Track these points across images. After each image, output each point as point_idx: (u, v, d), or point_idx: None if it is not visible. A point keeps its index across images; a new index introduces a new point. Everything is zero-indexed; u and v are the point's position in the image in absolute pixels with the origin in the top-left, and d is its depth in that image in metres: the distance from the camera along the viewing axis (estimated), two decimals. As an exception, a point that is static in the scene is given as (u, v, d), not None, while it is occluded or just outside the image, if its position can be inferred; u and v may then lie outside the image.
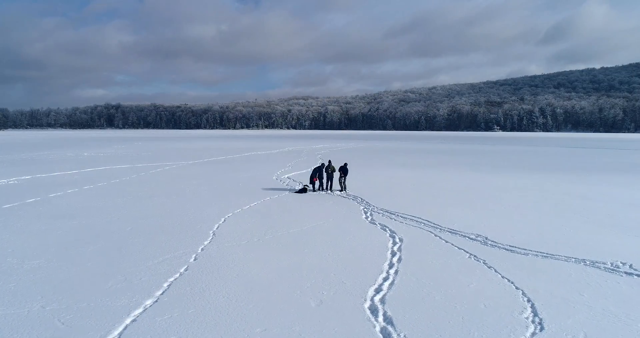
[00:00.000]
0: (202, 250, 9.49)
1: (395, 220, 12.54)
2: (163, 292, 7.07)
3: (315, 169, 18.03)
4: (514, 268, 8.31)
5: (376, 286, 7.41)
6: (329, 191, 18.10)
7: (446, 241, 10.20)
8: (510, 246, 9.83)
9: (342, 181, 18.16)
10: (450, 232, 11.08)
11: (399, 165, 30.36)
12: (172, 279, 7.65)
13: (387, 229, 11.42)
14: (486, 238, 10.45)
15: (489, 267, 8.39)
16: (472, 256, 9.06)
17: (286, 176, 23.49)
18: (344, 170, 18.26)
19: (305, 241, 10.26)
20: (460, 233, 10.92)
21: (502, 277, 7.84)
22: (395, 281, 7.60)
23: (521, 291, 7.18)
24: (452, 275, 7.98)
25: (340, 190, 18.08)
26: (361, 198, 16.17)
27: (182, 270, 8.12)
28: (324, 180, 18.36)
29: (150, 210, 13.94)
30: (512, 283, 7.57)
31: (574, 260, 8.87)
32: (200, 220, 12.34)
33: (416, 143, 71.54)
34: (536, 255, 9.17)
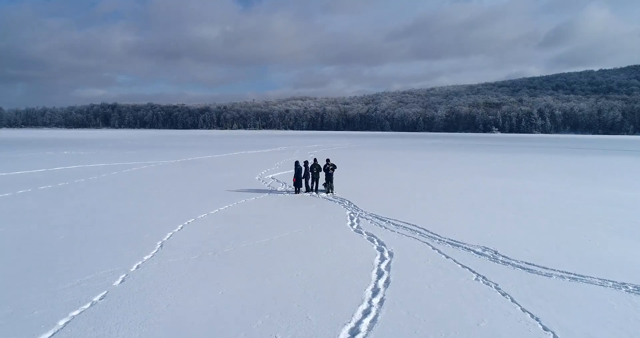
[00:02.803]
0: (137, 267, 7.48)
1: (386, 227, 10.55)
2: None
3: (297, 167, 16.02)
4: (536, 297, 6.33)
5: (352, 325, 5.41)
6: (314, 193, 16.10)
7: (447, 257, 8.22)
8: (526, 263, 7.85)
9: (328, 182, 16.15)
10: (451, 244, 9.09)
11: (394, 165, 28.38)
12: (74, 313, 5.63)
13: (375, 239, 9.43)
14: (496, 252, 8.48)
15: (503, 294, 6.41)
16: (480, 278, 7.08)
17: (270, 176, 21.48)
18: (327, 169, 16.26)
19: (272, 255, 8.26)
20: (464, 246, 8.94)
21: (523, 311, 5.85)
22: (378, 318, 5.60)
23: (552, 335, 5.20)
24: (455, 307, 5.99)
25: (327, 192, 16.10)
26: (349, 201, 14.18)
27: (96, 299, 6.10)
28: (309, 181, 16.36)
29: (99, 215, 11.91)
30: (537, 320, 5.58)
31: (611, 284, 6.89)
32: (151, 228, 10.32)
33: (415, 140, 69.66)
34: (562, 277, 7.19)
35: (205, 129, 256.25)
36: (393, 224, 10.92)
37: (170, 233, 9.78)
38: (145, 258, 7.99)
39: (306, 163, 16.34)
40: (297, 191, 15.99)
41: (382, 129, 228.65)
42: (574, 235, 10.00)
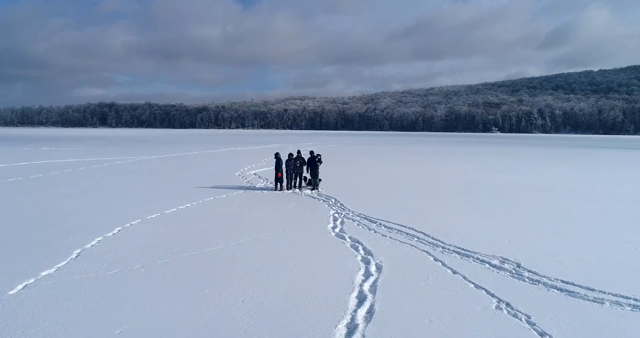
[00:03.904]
0: (23, 287, 5.37)
1: (375, 231, 8.45)
2: None
3: (278, 159, 13.91)
4: (592, 338, 4.24)
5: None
6: (297, 190, 14.01)
7: (454, 272, 6.12)
8: (563, 282, 5.75)
9: (314, 177, 14.06)
10: (458, 253, 7.00)
11: (391, 161, 26.24)
12: None
13: (360, 247, 7.32)
14: (518, 266, 6.38)
15: (541, 335, 4.31)
16: (502, 305, 4.98)
17: (253, 172, 19.36)
18: (311, 163, 14.16)
19: (219, 270, 6.15)
20: (476, 256, 6.84)
21: (578, 366, 3.75)
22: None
23: None
24: (471, 357, 3.88)
25: (311, 189, 13.99)
26: (335, 199, 12.08)
27: None
28: (293, 175, 14.26)
29: (31, 214, 9.79)
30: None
31: (694, 316, 4.79)
32: (80, 230, 8.20)
33: (414, 137, 67.56)
34: (618, 304, 5.10)
35: (203, 128, 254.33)
36: (385, 227, 8.82)
37: (100, 238, 7.66)
38: (44, 273, 5.87)
39: (290, 155, 14.24)
40: (276, 188, 13.88)
41: (381, 129, 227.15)
42: (613, 241, 7.91)
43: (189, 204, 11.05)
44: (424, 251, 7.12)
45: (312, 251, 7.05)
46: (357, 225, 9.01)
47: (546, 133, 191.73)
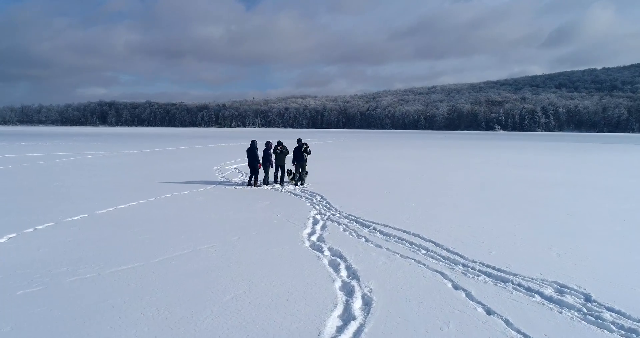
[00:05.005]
0: None
1: (367, 239, 6.11)
2: None
3: (252, 147, 11.58)
4: None
5: None
6: (277, 185, 11.69)
7: (488, 311, 3.79)
8: (676, 332, 3.41)
9: (299, 170, 11.74)
10: (489, 276, 4.65)
11: (392, 156, 23.84)
12: None
13: (341, 265, 4.99)
14: (587, 299, 4.04)
15: None
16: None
17: (234, 167, 17.03)
18: (297, 154, 11.84)
19: (107, 307, 3.82)
20: (515, 280, 4.50)
21: None
22: None
23: None
24: None
25: (295, 184, 11.67)
26: (321, 196, 9.75)
27: None
28: (270, 167, 11.94)
29: None
30: None
31: None
32: (-47, 239, 5.88)
33: (416, 135, 65.18)
34: None
35: (204, 127, 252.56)
36: (381, 232, 6.48)
37: (-30, 251, 5.35)
38: None
39: (268, 143, 11.92)
40: (251, 182, 11.55)
41: (383, 128, 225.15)
42: None
43: (133, 203, 8.73)
44: (436, 271, 4.79)
45: (268, 273, 4.72)
46: (344, 230, 6.68)
47: (550, 131, 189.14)
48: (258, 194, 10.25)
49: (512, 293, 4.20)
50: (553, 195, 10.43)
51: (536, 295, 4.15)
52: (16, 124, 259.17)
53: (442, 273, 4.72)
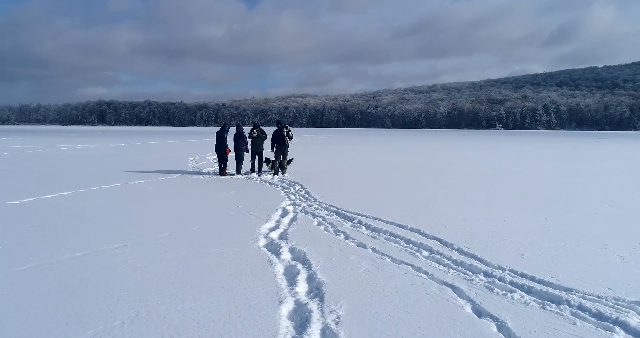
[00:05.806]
0: None
1: (347, 236, 4.41)
2: None
3: (222, 130, 9.91)
4: None
5: None
6: (254, 175, 10.00)
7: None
8: None
9: (279, 157, 10.05)
10: (529, 293, 2.96)
11: (393, 148, 22.10)
12: None
13: (300, 275, 3.28)
14: None
15: None
16: None
17: (212, 157, 15.33)
18: (278, 138, 10.13)
19: None
20: (570, 298, 2.81)
21: None
22: None
23: None
24: None
25: (275, 173, 9.98)
26: (301, 186, 8.06)
27: None
28: (246, 153, 10.25)
29: None
30: None
31: None
32: None
33: (417, 132, 63.45)
34: None
35: (203, 126, 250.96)
36: (367, 227, 4.79)
37: None
38: None
39: (239, 127, 10.25)
40: (221, 171, 9.86)
41: (383, 126, 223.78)
42: None
43: (66, 193, 7.04)
44: (445, 284, 3.09)
45: (180, 289, 3.02)
46: (318, 224, 4.98)
47: (551, 129, 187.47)
48: (225, 184, 8.54)
49: (575, 323, 2.51)
50: (581, 184, 8.74)
51: (616, 327, 2.46)
52: (14, 124, 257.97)
53: (454, 287, 3.03)
